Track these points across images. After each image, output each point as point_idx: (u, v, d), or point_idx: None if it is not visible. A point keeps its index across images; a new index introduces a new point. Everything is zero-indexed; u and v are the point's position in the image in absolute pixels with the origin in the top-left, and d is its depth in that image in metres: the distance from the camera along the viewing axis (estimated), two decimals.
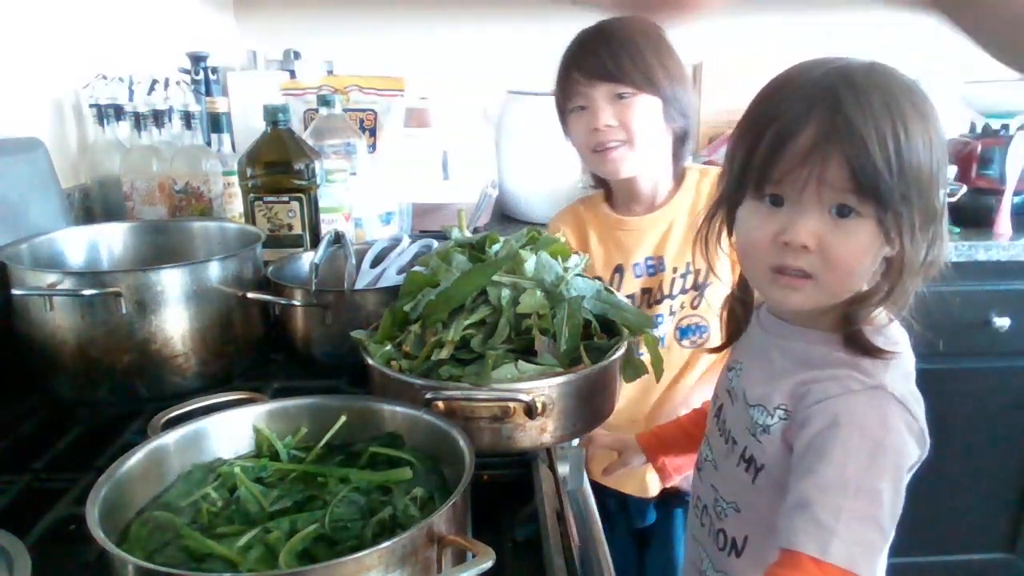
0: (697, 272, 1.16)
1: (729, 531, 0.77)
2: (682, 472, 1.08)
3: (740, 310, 0.82)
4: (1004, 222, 1.83)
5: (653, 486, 1.20)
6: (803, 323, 0.72)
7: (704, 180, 1.20)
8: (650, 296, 1.18)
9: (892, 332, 0.70)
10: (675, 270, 1.17)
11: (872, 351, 0.67)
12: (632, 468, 1.07)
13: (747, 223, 0.70)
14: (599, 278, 0.93)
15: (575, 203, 1.30)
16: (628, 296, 1.15)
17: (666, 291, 1.17)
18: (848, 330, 0.68)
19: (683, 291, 1.17)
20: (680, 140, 1.17)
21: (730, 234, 0.76)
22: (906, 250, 0.65)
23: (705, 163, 1.86)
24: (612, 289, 0.88)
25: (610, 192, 1.24)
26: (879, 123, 0.62)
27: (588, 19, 1.17)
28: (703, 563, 0.83)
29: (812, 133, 0.63)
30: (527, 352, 0.76)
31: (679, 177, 1.21)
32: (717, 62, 2.35)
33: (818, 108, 0.63)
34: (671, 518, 1.24)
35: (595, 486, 0.99)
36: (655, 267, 1.18)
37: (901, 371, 0.68)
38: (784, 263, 0.66)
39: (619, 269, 1.19)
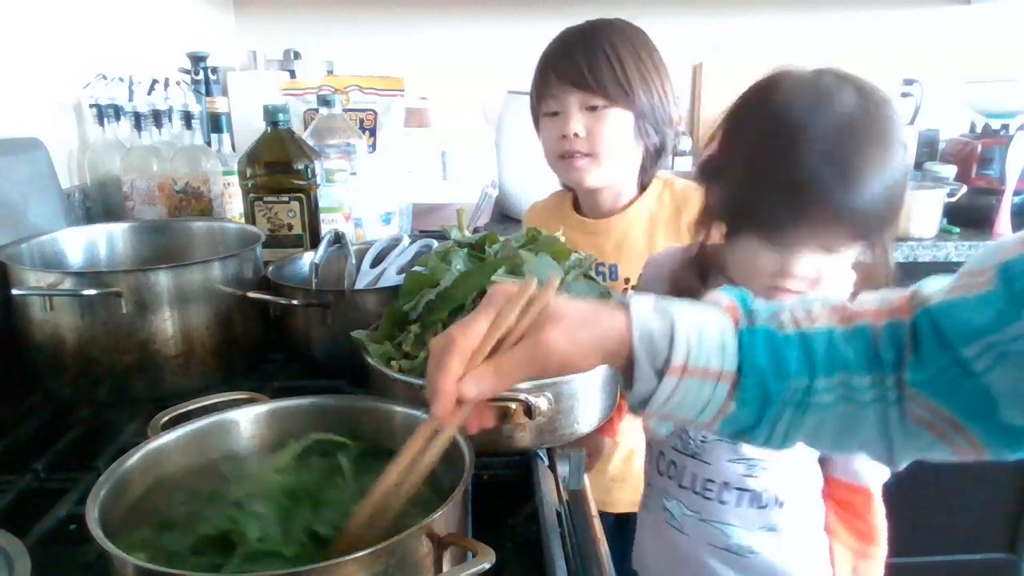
0: None
1: (772, 488, 0.85)
2: (622, 418, 1.10)
3: (690, 277, 0.88)
4: (1004, 222, 1.83)
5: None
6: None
7: (667, 191, 1.18)
8: None
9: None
10: (627, 281, 1.15)
11: None
12: (605, 453, 1.09)
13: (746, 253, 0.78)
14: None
15: (550, 196, 1.32)
16: None
17: None
18: None
19: None
20: (654, 154, 1.15)
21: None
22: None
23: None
24: (612, 291, 0.88)
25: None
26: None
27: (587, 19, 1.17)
28: (730, 538, 0.87)
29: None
30: None
31: (643, 186, 1.19)
32: (717, 62, 2.35)
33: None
34: None
35: None
36: (605, 275, 1.16)
37: None
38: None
39: None
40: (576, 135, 1.09)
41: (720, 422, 0.54)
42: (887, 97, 0.74)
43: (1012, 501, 1.88)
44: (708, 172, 0.83)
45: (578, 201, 1.24)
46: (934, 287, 0.54)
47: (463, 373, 0.52)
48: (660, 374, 0.52)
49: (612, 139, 1.09)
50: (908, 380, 0.51)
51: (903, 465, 0.56)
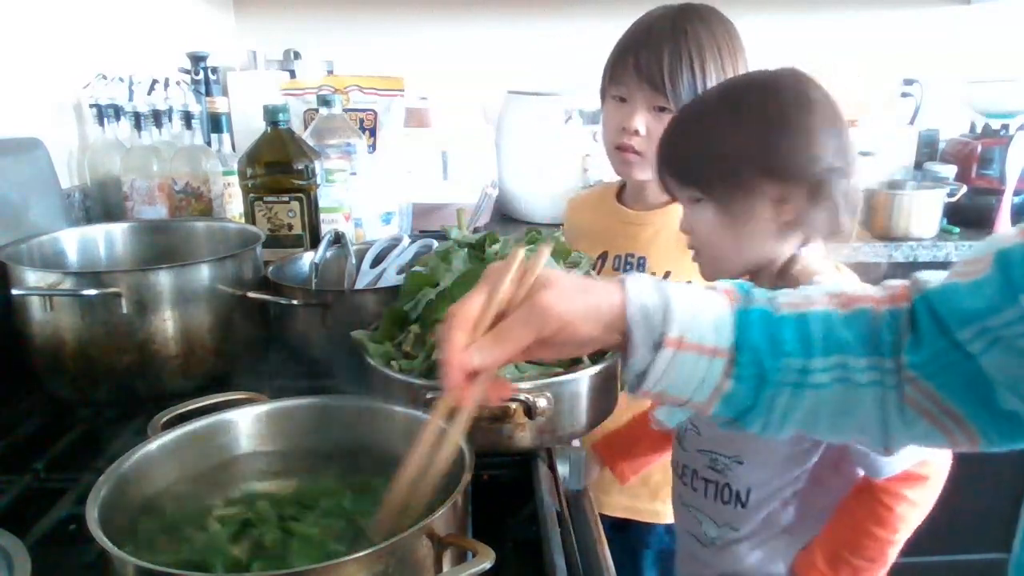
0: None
1: (734, 484, 0.87)
2: (638, 472, 1.10)
3: None
4: (1004, 222, 1.83)
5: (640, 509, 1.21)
6: None
7: None
8: None
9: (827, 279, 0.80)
10: (653, 275, 1.15)
11: None
12: (592, 479, 1.08)
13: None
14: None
15: (593, 188, 1.35)
16: None
17: None
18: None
19: None
20: None
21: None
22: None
23: None
24: None
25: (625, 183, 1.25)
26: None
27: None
28: (701, 525, 0.90)
29: None
30: None
31: None
32: None
33: None
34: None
35: None
36: (634, 265, 1.17)
37: None
38: None
39: (603, 256, 1.19)
40: (636, 132, 1.08)
41: (718, 402, 0.54)
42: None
43: (1011, 501, 1.89)
44: None
45: (622, 193, 1.24)
46: (933, 275, 0.55)
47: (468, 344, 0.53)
48: (656, 347, 0.53)
49: None
50: (906, 363, 0.52)
51: (898, 452, 0.57)
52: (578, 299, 0.54)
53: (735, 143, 0.77)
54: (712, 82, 1.05)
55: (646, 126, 1.08)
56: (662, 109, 1.07)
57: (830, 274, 0.82)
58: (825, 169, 0.77)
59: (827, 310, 0.55)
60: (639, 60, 1.06)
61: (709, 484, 0.89)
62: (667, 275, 1.13)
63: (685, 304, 0.54)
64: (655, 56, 1.05)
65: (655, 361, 0.53)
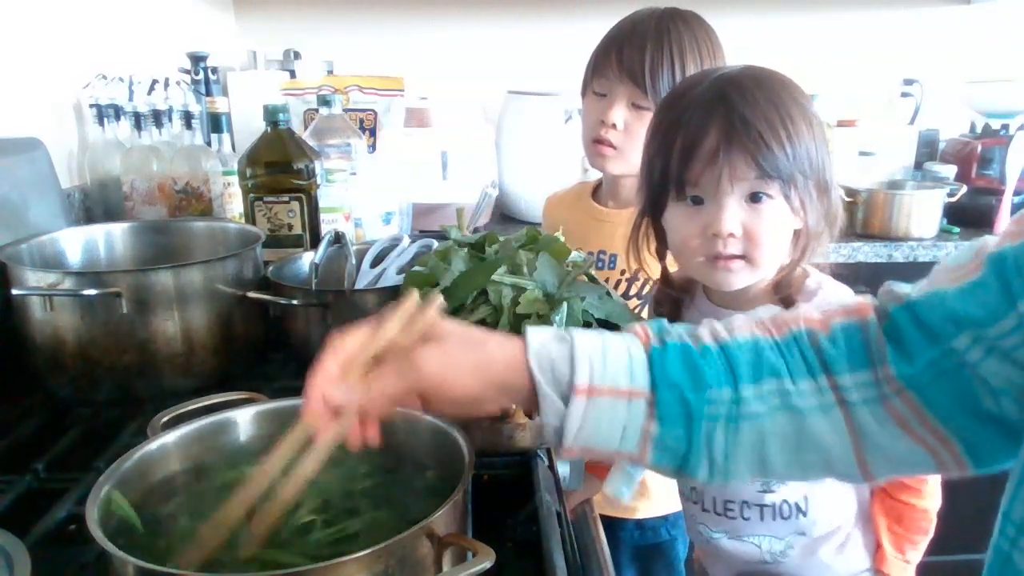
0: (646, 282, 1.14)
1: (791, 497, 0.86)
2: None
3: (667, 304, 0.91)
4: (1004, 222, 1.83)
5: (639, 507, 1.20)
6: (741, 306, 0.78)
7: None
8: None
9: (826, 295, 0.79)
10: (623, 272, 1.16)
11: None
12: (592, 493, 1.06)
13: (677, 224, 0.80)
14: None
15: (570, 187, 1.35)
16: None
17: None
18: (782, 295, 0.80)
19: (626, 295, 1.15)
20: None
21: (658, 239, 0.86)
22: (809, 218, 0.77)
23: None
24: (614, 293, 0.88)
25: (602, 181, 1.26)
26: (768, 116, 0.73)
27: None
28: (761, 548, 0.88)
29: (715, 136, 0.73)
30: None
31: None
32: None
33: (716, 114, 0.73)
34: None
35: None
36: (605, 262, 1.17)
37: None
38: (717, 252, 0.76)
39: None
40: (614, 126, 1.09)
41: (651, 449, 0.51)
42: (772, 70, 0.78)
43: None
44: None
45: (598, 191, 1.25)
46: (905, 285, 0.53)
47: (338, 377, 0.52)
48: (566, 399, 0.50)
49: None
50: (894, 373, 0.50)
51: (882, 478, 0.54)
52: (461, 356, 0.52)
53: (808, 142, 0.75)
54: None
55: (624, 121, 1.10)
56: (640, 107, 1.09)
57: (830, 285, 0.82)
58: (830, 178, 0.78)
59: (754, 337, 0.53)
60: (622, 55, 1.08)
61: (764, 508, 0.88)
62: (637, 271, 1.12)
63: (592, 349, 0.51)
64: (638, 52, 1.07)
65: (569, 412, 0.50)
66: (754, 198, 0.75)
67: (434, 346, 0.53)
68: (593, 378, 0.50)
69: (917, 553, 0.90)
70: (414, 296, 0.55)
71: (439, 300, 0.56)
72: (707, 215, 0.76)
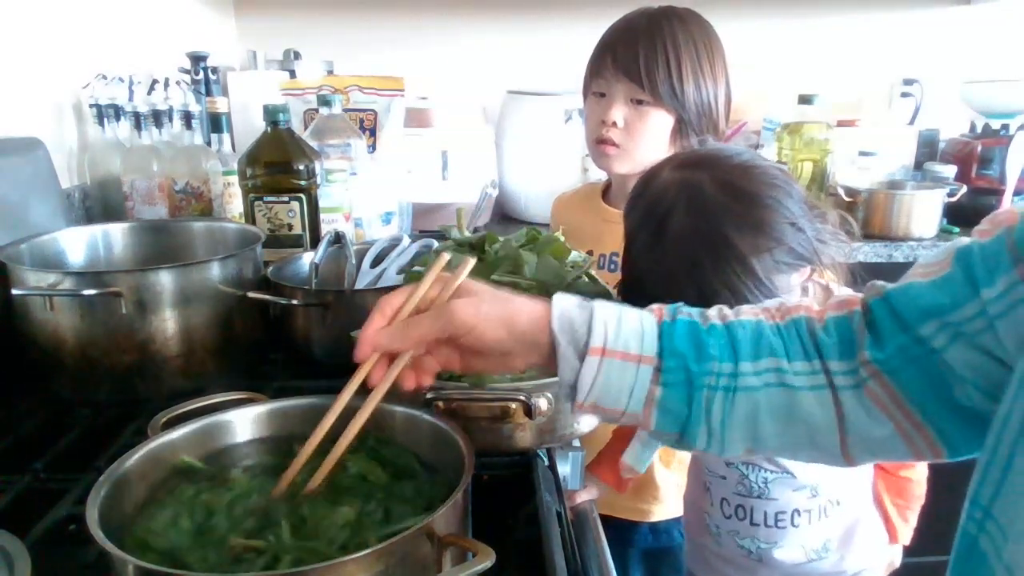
0: None
1: (831, 496, 0.92)
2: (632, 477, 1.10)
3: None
4: None
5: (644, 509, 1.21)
6: None
7: None
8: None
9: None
10: None
11: None
12: (594, 497, 1.07)
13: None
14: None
15: (579, 187, 1.35)
16: None
17: None
18: None
19: None
20: None
21: None
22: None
23: None
24: (612, 292, 0.88)
25: (611, 181, 1.26)
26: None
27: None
28: (804, 549, 0.93)
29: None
30: None
31: None
32: None
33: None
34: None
35: None
36: (618, 264, 1.16)
37: None
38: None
39: (590, 255, 1.19)
40: (615, 124, 1.10)
41: (654, 412, 0.55)
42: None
43: None
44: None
45: (608, 193, 1.25)
46: (888, 283, 0.56)
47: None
48: (582, 357, 0.55)
49: (647, 138, 1.10)
50: (869, 358, 0.53)
51: (860, 462, 0.57)
52: (492, 307, 0.57)
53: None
54: (688, 77, 1.09)
55: (624, 118, 1.10)
56: (640, 102, 1.09)
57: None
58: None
59: (757, 320, 0.57)
60: (617, 54, 1.09)
61: (811, 512, 0.93)
62: None
63: (609, 316, 0.56)
64: (632, 49, 1.08)
65: (583, 369, 0.55)
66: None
67: (466, 297, 0.59)
68: (607, 341, 0.55)
69: (915, 517, 1.00)
70: (444, 258, 0.61)
71: (471, 262, 0.61)
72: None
